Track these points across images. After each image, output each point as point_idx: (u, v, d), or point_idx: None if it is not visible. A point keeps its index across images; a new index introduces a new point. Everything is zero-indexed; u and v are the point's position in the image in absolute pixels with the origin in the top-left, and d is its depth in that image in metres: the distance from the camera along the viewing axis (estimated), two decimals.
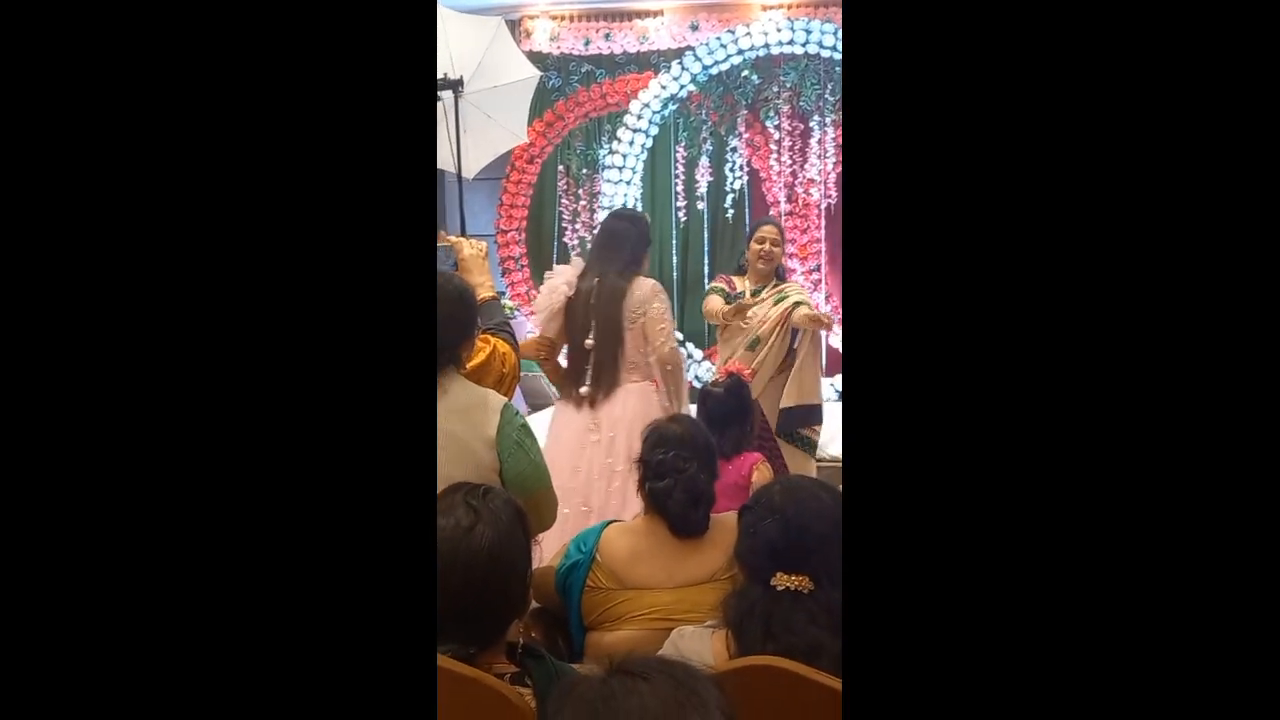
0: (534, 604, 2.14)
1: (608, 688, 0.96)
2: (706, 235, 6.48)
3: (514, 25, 6.19)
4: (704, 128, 6.40)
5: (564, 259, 6.59)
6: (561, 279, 3.44)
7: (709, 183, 6.43)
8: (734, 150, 6.39)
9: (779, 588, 1.64)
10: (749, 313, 3.97)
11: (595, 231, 3.73)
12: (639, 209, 6.38)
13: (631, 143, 6.16)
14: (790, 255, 6.14)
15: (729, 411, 3.11)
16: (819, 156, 6.27)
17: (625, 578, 2.12)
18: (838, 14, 6.12)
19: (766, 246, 4.07)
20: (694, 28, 6.34)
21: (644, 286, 3.36)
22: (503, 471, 2.14)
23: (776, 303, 4.02)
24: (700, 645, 1.68)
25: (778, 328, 3.98)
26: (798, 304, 3.96)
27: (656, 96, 6.11)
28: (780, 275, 4.19)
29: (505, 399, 2.29)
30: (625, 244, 3.42)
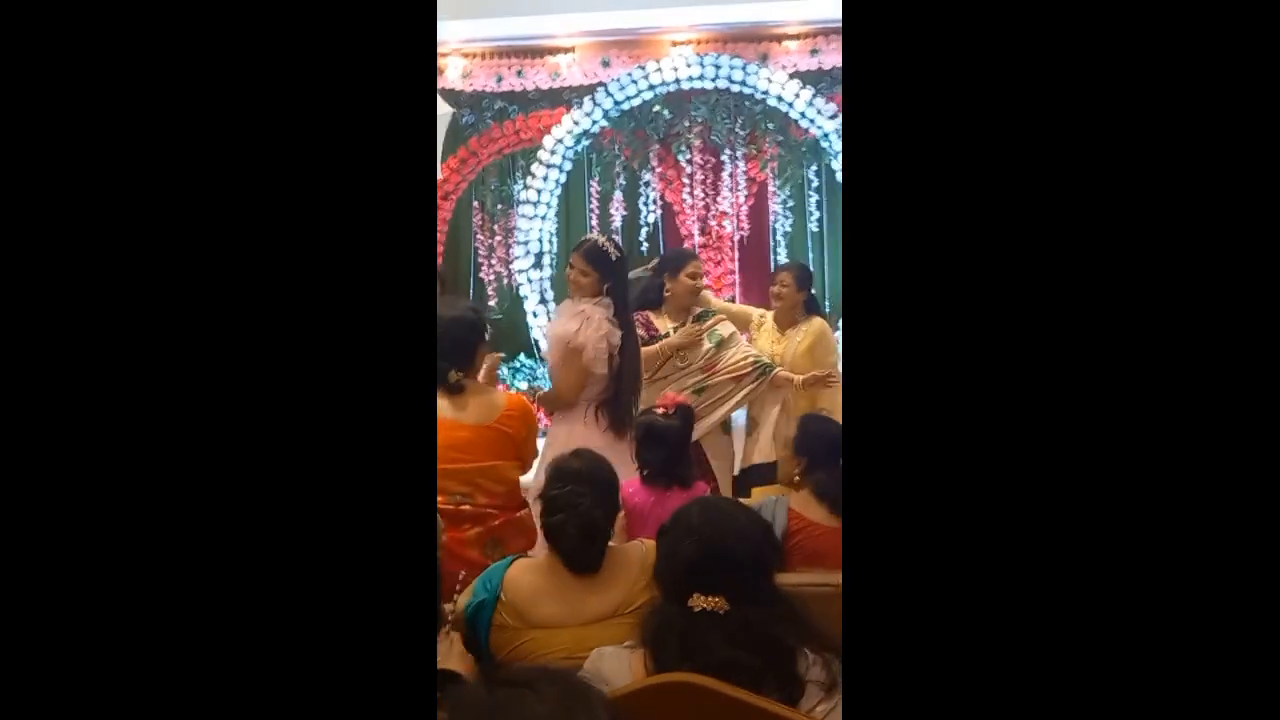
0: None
1: (495, 699, 0.97)
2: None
3: None
4: (617, 162, 6.43)
5: (480, 294, 6.57)
6: (606, 320, 3.46)
7: (623, 217, 6.45)
8: (647, 184, 6.42)
9: (695, 608, 1.66)
10: (680, 349, 3.91)
11: (598, 271, 3.58)
12: (554, 244, 6.40)
13: (545, 178, 6.17)
14: (705, 287, 6.19)
15: (683, 440, 3.09)
16: (731, 190, 6.34)
17: (530, 616, 2.09)
18: (746, 49, 6.23)
19: (701, 283, 4.01)
20: (605, 64, 6.39)
21: None
22: None
23: (718, 346, 3.98)
24: (619, 664, 1.69)
25: (734, 382, 3.94)
26: (765, 366, 3.95)
27: (569, 132, 6.14)
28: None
29: None
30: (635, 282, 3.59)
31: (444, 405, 2.69)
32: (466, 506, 2.66)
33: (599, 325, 3.46)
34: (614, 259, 3.57)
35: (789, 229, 6.38)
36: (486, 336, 2.98)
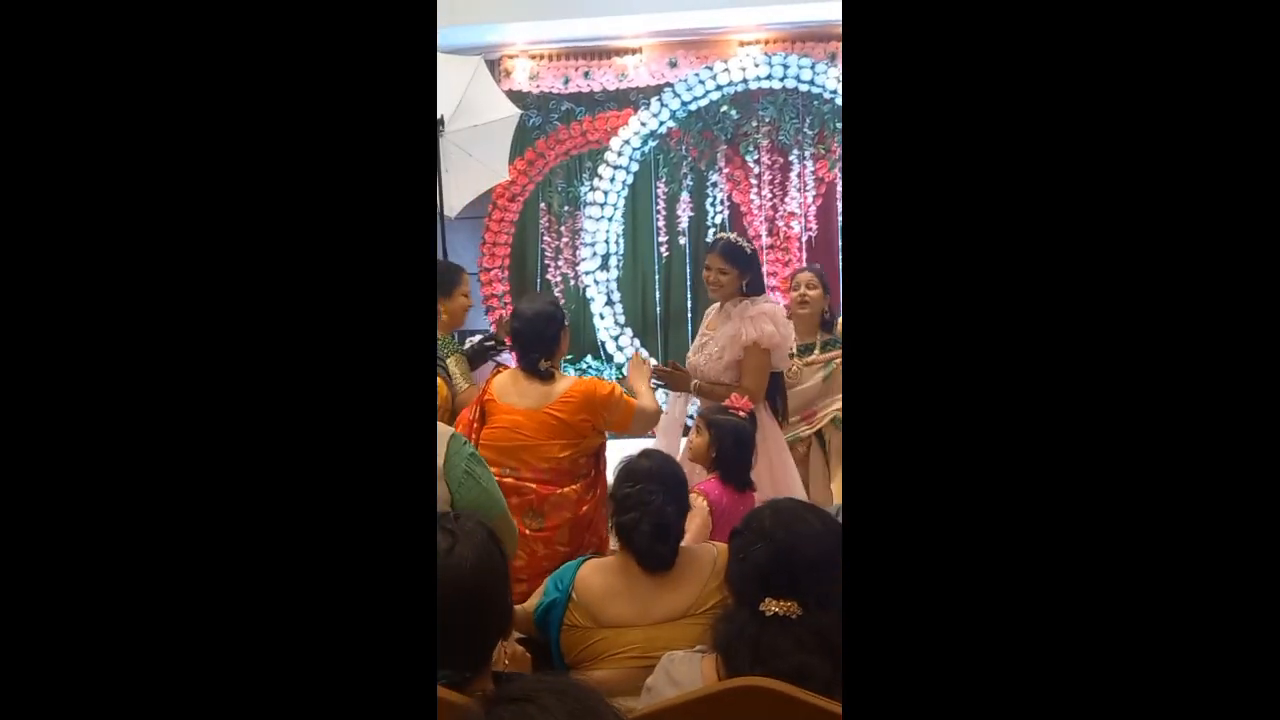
0: (522, 634, 2.14)
1: (496, 717, 0.94)
2: (689, 270, 6.49)
3: (493, 65, 6.23)
4: (684, 163, 6.43)
5: (547, 296, 6.60)
6: (785, 319, 3.58)
7: (690, 218, 6.45)
8: (714, 185, 6.41)
9: (767, 613, 1.64)
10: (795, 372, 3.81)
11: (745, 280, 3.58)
12: (621, 246, 6.40)
13: (612, 179, 6.19)
14: (772, 289, 6.15)
15: (750, 441, 3.08)
16: (799, 190, 6.30)
17: (601, 616, 2.11)
18: (815, 48, 6.19)
19: (801, 292, 3.91)
20: (672, 64, 6.38)
21: None
22: (454, 502, 2.17)
23: (826, 378, 3.85)
24: (690, 669, 1.68)
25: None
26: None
27: (636, 133, 6.14)
28: (828, 325, 4.01)
29: (452, 429, 2.33)
30: None
31: (513, 390, 3.01)
32: (509, 479, 2.88)
33: (786, 324, 3.54)
34: (749, 253, 3.57)
35: None
36: (566, 323, 3.18)
